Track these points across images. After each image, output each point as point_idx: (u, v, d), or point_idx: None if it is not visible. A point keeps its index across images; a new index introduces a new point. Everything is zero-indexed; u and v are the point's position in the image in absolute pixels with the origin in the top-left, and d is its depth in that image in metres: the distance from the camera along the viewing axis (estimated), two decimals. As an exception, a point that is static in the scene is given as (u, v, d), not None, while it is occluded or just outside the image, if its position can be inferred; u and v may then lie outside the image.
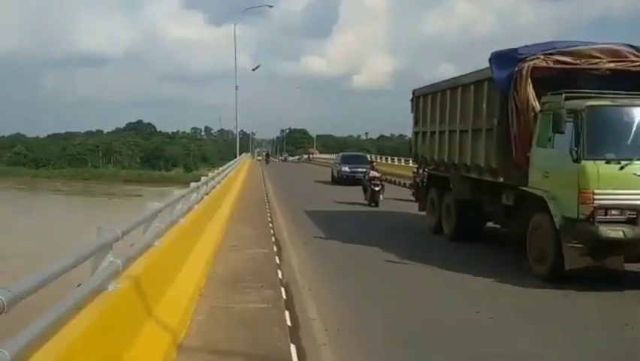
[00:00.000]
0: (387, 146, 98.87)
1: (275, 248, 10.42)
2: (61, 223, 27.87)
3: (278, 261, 9.37)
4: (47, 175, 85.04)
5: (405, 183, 26.07)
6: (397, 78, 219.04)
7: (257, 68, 59.22)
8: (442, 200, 12.28)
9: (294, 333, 5.77)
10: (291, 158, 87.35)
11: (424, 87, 13.74)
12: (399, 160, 37.50)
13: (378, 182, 18.82)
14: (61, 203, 49.53)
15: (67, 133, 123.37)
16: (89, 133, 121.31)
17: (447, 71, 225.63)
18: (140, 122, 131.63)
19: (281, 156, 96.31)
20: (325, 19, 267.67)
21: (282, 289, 7.40)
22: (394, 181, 27.71)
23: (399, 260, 9.58)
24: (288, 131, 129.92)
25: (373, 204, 18.36)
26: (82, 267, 3.87)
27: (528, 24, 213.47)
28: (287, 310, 6.45)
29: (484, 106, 10.10)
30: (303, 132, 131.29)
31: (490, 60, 9.47)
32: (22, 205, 44.86)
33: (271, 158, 78.18)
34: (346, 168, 28.40)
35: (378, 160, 37.17)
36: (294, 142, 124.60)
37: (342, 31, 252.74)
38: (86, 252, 3.94)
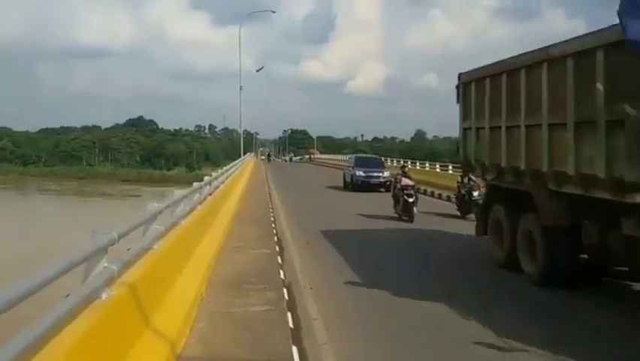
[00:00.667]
0: (381, 147, 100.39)
1: (277, 248, 10.26)
2: (45, 227, 26.63)
3: (280, 261, 9.20)
4: (37, 173, 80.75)
5: (425, 191, 22.63)
6: (388, 85, 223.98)
7: (260, 69, 60.93)
8: (517, 224, 8.70)
9: (296, 334, 5.72)
10: (295, 158, 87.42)
11: (478, 69, 10.15)
12: (413, 163, 36.08)
13: (412, 192, 15.24)
14: (50, 204, 47.05)
15: (61, 128, 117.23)
16: (85, 128, 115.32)
17: (432, 79, 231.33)
18: (140, 118, 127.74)
19: (284, 156, 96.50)
20: (324, 27, 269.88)
21: (285, 290, 7.28)
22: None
23: (488, 338, 5.71)
24: (289, 131, 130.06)
25: (406, 218, 14.90)
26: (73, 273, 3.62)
27: (499, 40, 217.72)
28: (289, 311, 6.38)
29: (600, 86, 6.76)
30: (304, 133, 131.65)
31: (619, 14, 5.84)
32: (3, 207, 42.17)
33: (273, 158, 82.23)
34: (361, 173, 25.23)
35: (389, 163, 35.04)
36: (296, 142, 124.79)
37: (338, 39, 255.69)
38: (78, 257, 3.69)
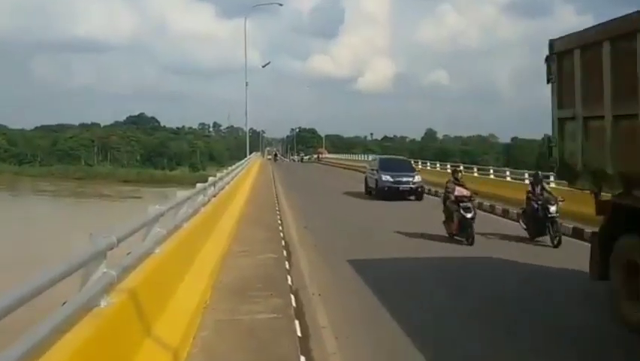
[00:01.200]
0: (390, 147, 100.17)
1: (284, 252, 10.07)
2: (35, 231, 25.37)
3: (287, 266, 9.02)
4: (33, 173, 78.76)
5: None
6: (398, 82, 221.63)
7: (267, 65, 59.17)
8: None
9: (304, 343, 5.59)
10: (305, 158, 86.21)
11: (587, 29, 6.99)
12: (424, 163, 33.66)
13: (471, 205, 12.11)
14: (44, 206, 45.34)
15: (58, 125, 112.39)
16: (83, 126, 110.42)
17: (442, 76, 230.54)
18: (141, 115, 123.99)
19: (292, 155, 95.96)
20: (332, 20, 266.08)
21: (292, 297, 7.10)
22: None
23: None
24: (297, 130, 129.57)
25: (463, 238, 11.80)
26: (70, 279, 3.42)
27: (508, 36, 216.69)
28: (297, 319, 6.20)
29: None
30: (313, 132, 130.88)
31: None
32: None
33: (280, 157, 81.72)
34: (388, 178, 21.92)
35: (421, 166, 30.95)
36: (304, 141, 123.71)
37: (347, 33, 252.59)
38: (75, 263, 3.50)
